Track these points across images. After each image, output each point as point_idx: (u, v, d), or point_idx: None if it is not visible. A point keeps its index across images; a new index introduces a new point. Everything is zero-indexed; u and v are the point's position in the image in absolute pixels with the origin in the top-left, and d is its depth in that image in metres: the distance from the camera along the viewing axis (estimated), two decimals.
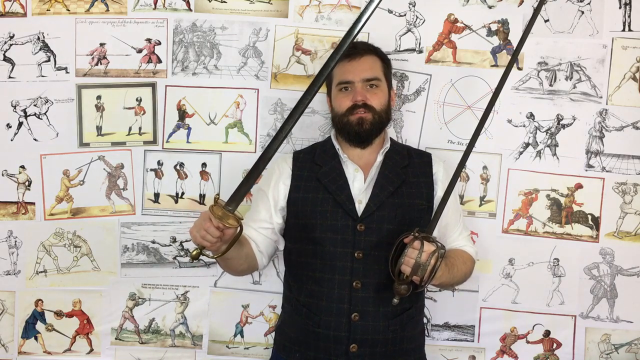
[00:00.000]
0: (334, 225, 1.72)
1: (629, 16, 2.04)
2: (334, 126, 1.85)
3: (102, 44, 2.07)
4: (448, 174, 1.84)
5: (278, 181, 1.82)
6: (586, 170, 2.08)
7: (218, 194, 1.54)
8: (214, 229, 1.47)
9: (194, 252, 1.52)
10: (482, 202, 2.11)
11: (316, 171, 1.79)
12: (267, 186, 1.84)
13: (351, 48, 1.79)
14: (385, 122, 1.82)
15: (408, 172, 1.80)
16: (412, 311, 1.78)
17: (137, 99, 2.09)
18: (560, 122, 2.07)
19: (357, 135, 1.77)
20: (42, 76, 2.07)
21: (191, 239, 1.52)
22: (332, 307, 1.70)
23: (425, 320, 1.98)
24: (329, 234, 1.72)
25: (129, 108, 2.09)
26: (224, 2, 2.07)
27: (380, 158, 1.80)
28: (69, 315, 2.16)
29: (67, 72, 2.07)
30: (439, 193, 1.81)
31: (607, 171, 2.08)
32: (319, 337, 1.72)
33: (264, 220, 1.82)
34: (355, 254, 1.70)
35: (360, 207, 1.73)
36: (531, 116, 2.07)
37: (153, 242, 2.13)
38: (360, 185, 1.77)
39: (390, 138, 1.88)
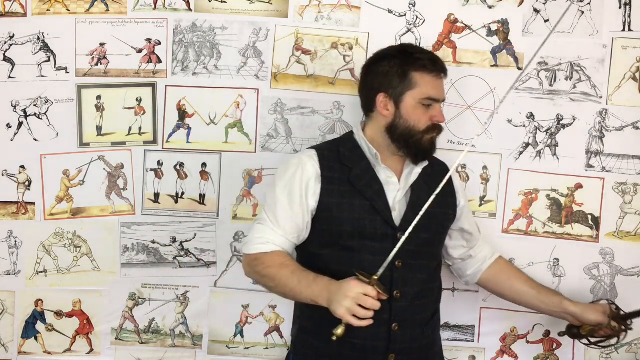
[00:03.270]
0: (372, 233, 1.65)
1: (629, 16, 2.04)
2: (391, 134, 1.70)
3: (102, 44, 2.07)
4: (461, 182, 1.90)
5: (307, 183, 1.68)
6: (586, 170, 2.08)
7: (377, 276, 1.53)
8: (377, 303, 1.50)
9: (340, 330, 1.51)
10: (482, 202, 2.11)
11: (347, 173, 1.69)
12: (295, 187, 1.69)
13: (437, 63, 1.72)
14: None
15: (432, 180, 1.72)
16: (438, 313, 1.80)
17: (137, 99, 2.09)
18: (560, 122, 2.07)
19: (425, 155, 1.72)
20: (42, 76, 2.07)
21: (344, 314, 1.49)
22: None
23: None
24: (368, 242, 1.65)
25: (129, 108, 2.09)
26: (224, 2, 2.07)
27: (419, 170, 1.73)
28: (69, 315, 2.16)
29: (67, 72, 2.07)
30: (461, 201, 1.84)
31: (607, 171, 2.07)
32: (355, 347, 1.65)
33: (295, 228, 1.69)
34: (396, 263, 1.63)
35: (396, 215, 1.68)
36: (531, 116, 2.07)
37: (153, 242, 2.13)
38: (394, 192, 1.70)
39: None
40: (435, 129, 1.71)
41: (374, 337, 1.64)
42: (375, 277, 1.53)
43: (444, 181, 1.63)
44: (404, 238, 1.57)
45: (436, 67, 1.70)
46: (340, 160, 1.71)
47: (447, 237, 1.86)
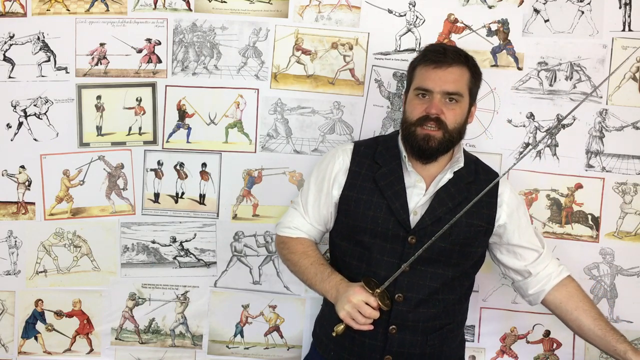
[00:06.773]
0: (384, 233, 1.65)
1: (629, 16, 2.04)
2: (401, 131, 1.72)
3: (102, 44, 2.07)
4: (515, 196, 1.77)
5: (336, 175, 1.73)
6: (586, 170, 2.08)
7: (380, 290, 1.57)
8: (376, 313, 1.55)
9: (340, 328, 1.59)
10: None
11: (374, 171, 1.70)
12: (325, 178, 1.75)
13: (440, 54, 1.65)
14: (456, 141, 1.67)
15: (472, 189, 1.67)
16: (453, 326, 1.74)
17: (137, 99, 2.09)
18: (561, 122, 2.07)
19: (421, 151, 1.64)
20: (42, 76, 2.07)
21: (344, 317, 1.56)
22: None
23: None
24: (378, 241, 1.66)
25: (129, 108, 2.09)
26: (224, 2, 2.07)
27: (449, 175, 1.68)
28: (69, 315, 2.16)
29: (67, 72, 2.07)
30: (502, 216, 1.72)
31: (607, 171, 2.07)
32: (354, 342, 1.68)
33: (321, 217, 1.76)
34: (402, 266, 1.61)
35: (414, 219, 1.65)
36: (531, 116, 2.07)
37: (153, 242, 2.13)
38: (419, 197, 1.67)
39: (464, 149, 1.76)
40: (431, 120, 1.61)
41: (371, 335, 1.66)
42: (379, 291, 1.56)
43: (477, 196, 1.59)
44: (414, 257, 1.59)
45: (437, 57, 1.63)
46: (374, 158, 1.73)
47: (497, 251, 1.79)
